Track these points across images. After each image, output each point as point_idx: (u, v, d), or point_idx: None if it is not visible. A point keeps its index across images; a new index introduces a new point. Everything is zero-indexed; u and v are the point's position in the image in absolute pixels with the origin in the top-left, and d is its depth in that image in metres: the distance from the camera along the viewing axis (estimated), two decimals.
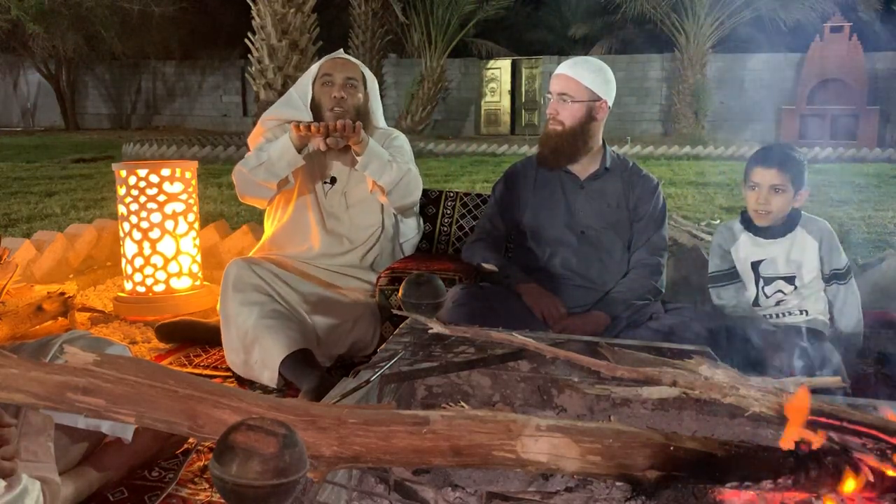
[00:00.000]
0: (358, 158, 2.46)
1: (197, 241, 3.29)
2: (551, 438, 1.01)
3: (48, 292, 2.87)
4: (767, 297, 2.26)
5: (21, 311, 2.68)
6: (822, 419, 1.07)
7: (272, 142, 2.52)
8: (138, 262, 3.15)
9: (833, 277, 2.23)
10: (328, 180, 2.64)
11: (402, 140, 2.71)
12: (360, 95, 2.59)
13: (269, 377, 2.28)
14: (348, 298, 2.53)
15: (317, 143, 2.44)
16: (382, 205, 2.66)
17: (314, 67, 2.61)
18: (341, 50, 2.65)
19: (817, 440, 1.05)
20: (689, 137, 13.67)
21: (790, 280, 2.24)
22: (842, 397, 1.38)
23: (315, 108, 2.58)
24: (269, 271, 2.43)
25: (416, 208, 2.79)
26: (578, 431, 1.02)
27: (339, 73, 2.54)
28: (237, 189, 2.60)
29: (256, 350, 2.29)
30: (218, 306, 2.44)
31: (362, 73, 2.62)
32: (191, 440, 1.86)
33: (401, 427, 1.00)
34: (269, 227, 2.72)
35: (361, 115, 2.58)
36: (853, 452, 1.05)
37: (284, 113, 2.65)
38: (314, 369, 2.23)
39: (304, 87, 2.62)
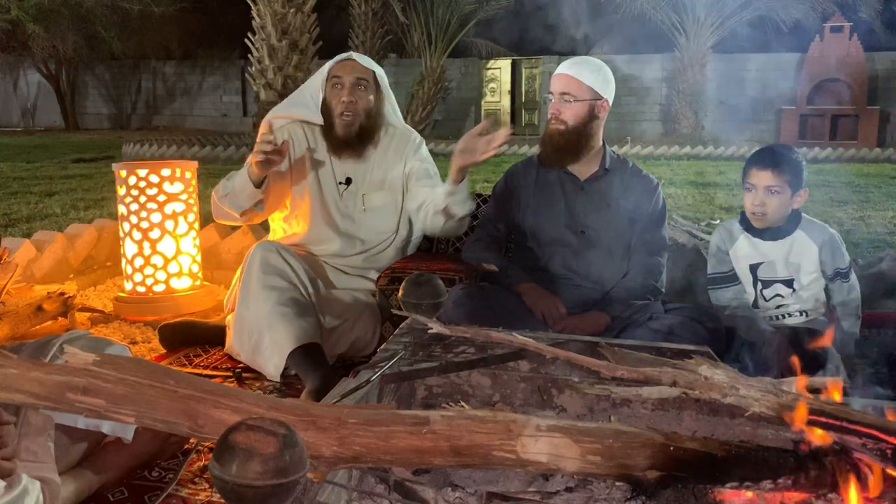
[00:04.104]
0: (451, 187, 2.37)
1: (197, 241, 3.29)
2: (551, 438, 1.01)
3: (48, 292, 2.87)
4: (766, 300, 2.26)
5: (21, 311, 2.68)
6: (823, 419, 1.07)
7: (239, 172, 2.49)
8: (138, 262, 3.15)
9: (837, 276, 2.22)
10: (343, 181, 2.64)
11: (426, 148, 2.71)
12: (371, 97, 2.56)
13: (275, 365, 2.28)
14: (348, 298, 2.53)
15: None
16: (400, 213, 2.65)
17: (325, 68, 2.58)
18: (351, 52, 2.63)
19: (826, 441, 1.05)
20: (689, 137, 13.65)
21: (788, 283, 2.23)
22: (842, 397, 1.38)
23: (325, 110, 2.56)
24: (294, 258, 2.43)
25: None
26: (578, 431, 1.02)
27: (349, 75, 2.51)
28: (212, 211, 2.61)
29: (268, 336, 2.30)
30: (231, 289, 2.43)
31: (373, 73, 2.58)
32: (191, 440, 1.86)
33: (401, 427, 1.00)
34: (283, 224, 2.70)
35: (373, 115, 2.57)
36: (853, 452, 1.05)
37: (295, 112, 2.64)
38: (321, 368, 2.23)
39: (315, 88, 2.60)
